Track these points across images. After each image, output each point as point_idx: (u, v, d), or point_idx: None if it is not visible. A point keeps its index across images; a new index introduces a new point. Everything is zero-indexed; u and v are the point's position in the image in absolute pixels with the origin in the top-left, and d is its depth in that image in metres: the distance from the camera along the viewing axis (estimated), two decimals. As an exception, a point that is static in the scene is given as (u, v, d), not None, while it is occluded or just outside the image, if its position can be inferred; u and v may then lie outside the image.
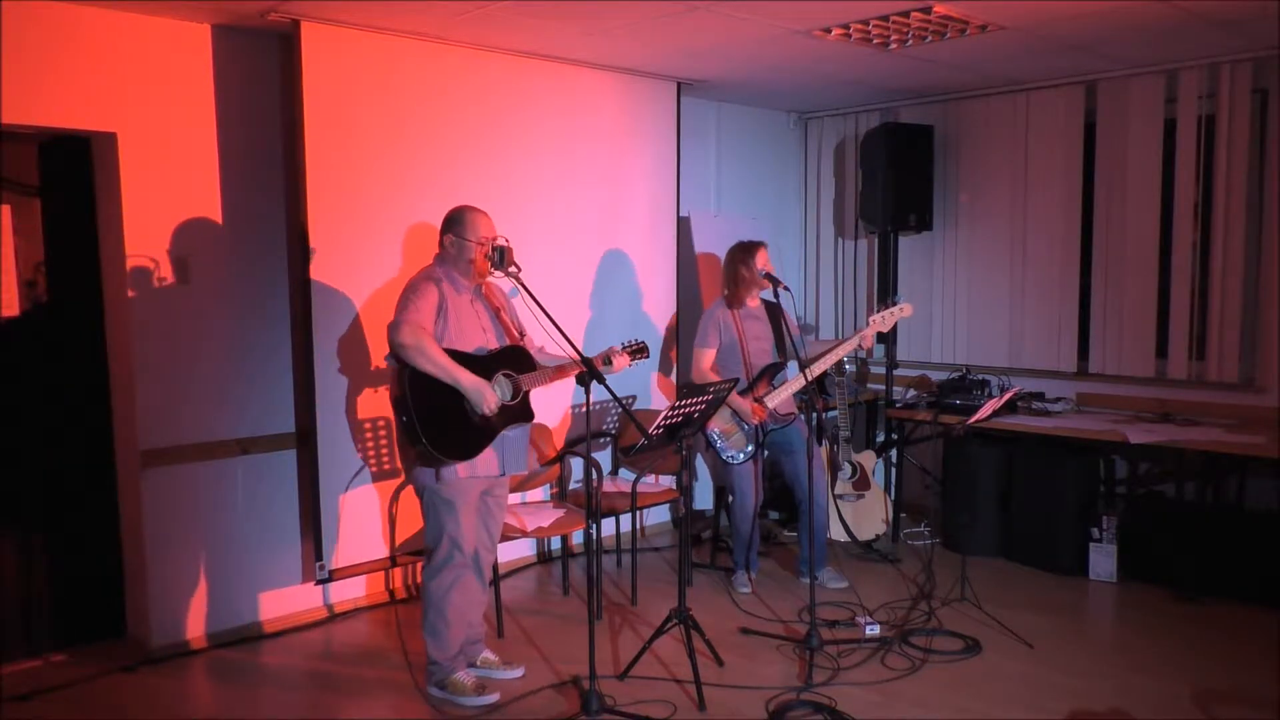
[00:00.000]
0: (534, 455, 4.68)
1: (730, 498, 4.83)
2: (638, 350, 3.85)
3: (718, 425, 4.59)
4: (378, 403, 4.28)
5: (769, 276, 4.47)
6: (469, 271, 3.52)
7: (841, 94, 5.84)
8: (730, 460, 4.62)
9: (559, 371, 3.61)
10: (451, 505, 3.48)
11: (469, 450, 3.42)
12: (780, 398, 4.64)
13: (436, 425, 3.31)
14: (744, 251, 4.65)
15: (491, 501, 3.68)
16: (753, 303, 4.75)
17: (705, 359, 4.67)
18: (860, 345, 4.61)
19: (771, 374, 4.67)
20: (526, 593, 4.87)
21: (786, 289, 4.41)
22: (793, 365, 4.69)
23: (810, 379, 4.29)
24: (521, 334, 3.70)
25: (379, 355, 4.16)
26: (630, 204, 5.29)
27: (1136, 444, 4.61)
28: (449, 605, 3.56)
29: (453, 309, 3.45)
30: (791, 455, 4.77)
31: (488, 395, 3.38)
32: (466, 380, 3.35)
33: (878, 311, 4.61)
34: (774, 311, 4.74)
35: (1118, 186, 5.18)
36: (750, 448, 4.62)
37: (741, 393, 4.59)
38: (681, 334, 5.58)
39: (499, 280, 3.55)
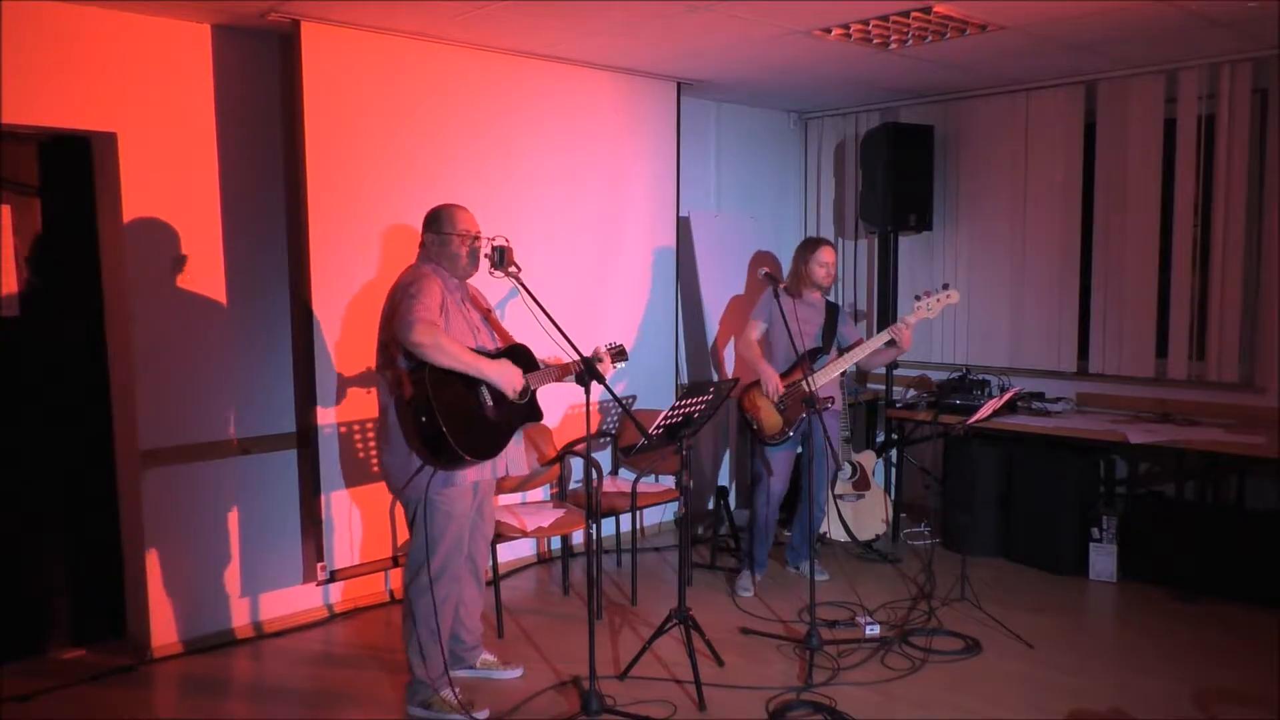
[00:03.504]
0: (534, 455, 4.68)
1: (755, 489, 4.78)
2: (618, 353, 3.84)
3: (763, 413, 4.57)
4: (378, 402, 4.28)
5: (769, 276, 4.46)
6: (455, 270, 3.44)
7: (841, 94, 5.84)
8: (769, 443, 4.61)
9: (561, 372, 3.60)
10: (451, 515, 3.39)
11: (491, 449, 3.35)
12: (822, 380, 4.57)
13: (459, 426, 3.21)
14: (804, 248, 4.75)
15: (484, 505, 3.64)
16: (814, 296, 4.76)
17: (753, 329, 4.71)
18: (899, 341, 4.46)
19: (811, 359, 4.64)
20: (526, 593, 4.87)
21: (786, 289, 4.40)
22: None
23: (851, 363, 4.42)
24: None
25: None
26: (630, 204, 5.29)
27: (1136, 444, 4.61)
28: (440, 621, 3.44)
29: (450, 309, 3.37)
30: (807, 445, 4.75)
31: (514, 375, 3.33)
32: (490, 368, 3.29)
33: (922, 300, 4.49)
34: (832, 311, 4.79)
35: (1118, 186, 5.18)
36: (790, 434, 4.61)
37: (783, 375, 4.59)
38: (681, 335, 5.59)
39: (499, 280, 3.52)
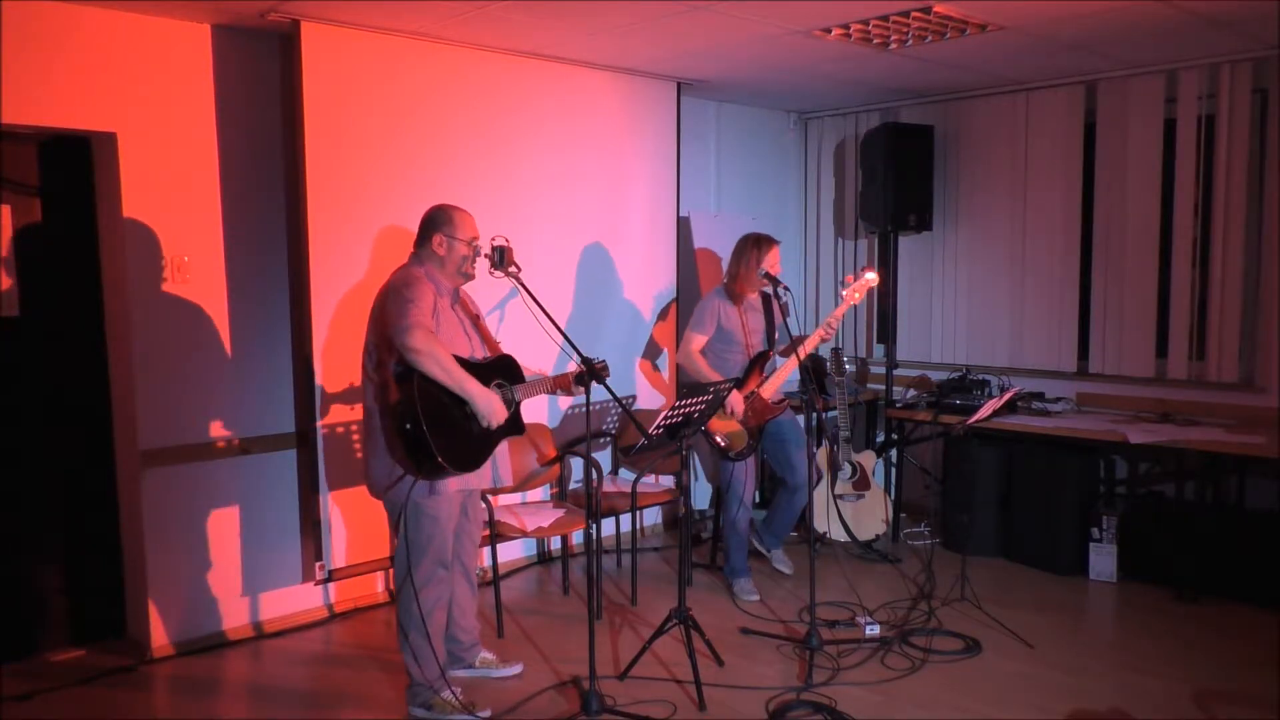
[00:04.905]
0: (534, 455, 4.69)
1: (726, 497, 4.75)
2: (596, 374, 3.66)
3: (722, 427, 4.56)
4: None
5: (769, 277, 4.46)
6: (454, 274, 3.40)
7: (841, 94, 5.84)
8: (736, 459, 4.59)
9: (552, 384, 3.55)
10: (437, 520, 3.36)
11: (473, 462, 3.31)
12: (774, 386, 4.61)
13: (443, 436, 3.15)
14: (756, 247, 4.55)
15: (469, 509, 3.60)
16: (753, 296, 4.71)
17: (696, 342, 4.60)
18: (826, 330, 4.51)
19: (761, 364, 4.63)
20: (526, 593, 4.87)
21: (787, 289, 4.40)
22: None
23: (802, 357, 4.13)
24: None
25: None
26: (630, 204, 5.29)
27: (1136, 444, 4.61)
28: (432, 624, 3.42)
29: (441, 312, 3.32)
30: (784, 445, 4.75)
31: (497, 407, 3.26)
32: (476, 391, 3.21)
33: (847, 288, 4.53)
34: (767, 302, 4.72)
35: (1118, 187, 5.18)
36: (751, 443, 4.60)
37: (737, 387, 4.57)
38: (681, 335, 5.58)
39: (498, 281, 3.51)
